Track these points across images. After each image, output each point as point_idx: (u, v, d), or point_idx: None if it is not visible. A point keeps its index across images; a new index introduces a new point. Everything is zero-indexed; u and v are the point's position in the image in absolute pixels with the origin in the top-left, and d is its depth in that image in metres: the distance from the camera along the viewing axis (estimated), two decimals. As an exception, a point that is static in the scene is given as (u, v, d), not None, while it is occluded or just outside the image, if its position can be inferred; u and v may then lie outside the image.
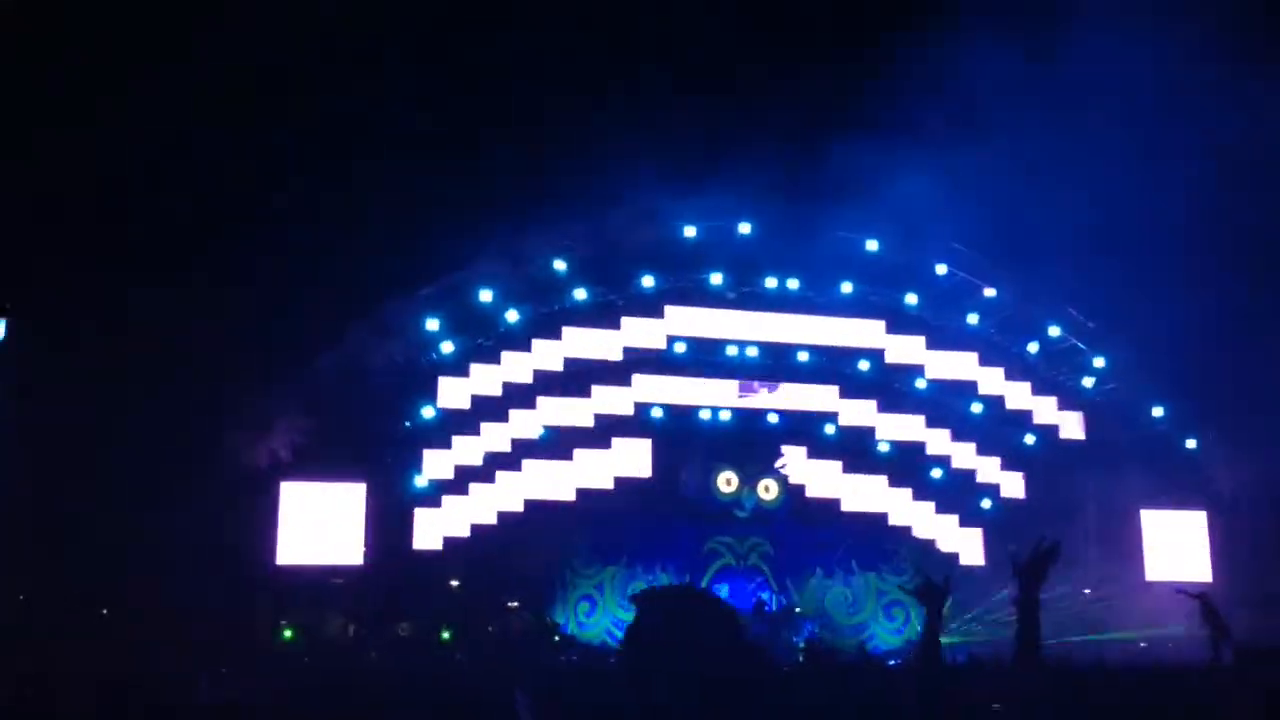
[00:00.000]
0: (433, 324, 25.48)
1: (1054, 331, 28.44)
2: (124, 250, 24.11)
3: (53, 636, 19.02)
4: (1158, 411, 28.55)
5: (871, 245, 27.28)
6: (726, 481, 27.40)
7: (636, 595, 8.54)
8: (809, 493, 27.74)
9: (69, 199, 23.48)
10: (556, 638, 24.67)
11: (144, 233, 24.33)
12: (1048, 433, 28.90)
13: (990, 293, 27.98)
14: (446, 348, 25.90)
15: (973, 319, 28.23)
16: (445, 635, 23.60)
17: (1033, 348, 28.74)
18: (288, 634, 22.96)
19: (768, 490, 27.50)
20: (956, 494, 28.49)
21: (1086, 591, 26.74)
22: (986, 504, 28.45)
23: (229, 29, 23.23)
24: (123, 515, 21.15)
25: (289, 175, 25.59)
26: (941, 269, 27.68)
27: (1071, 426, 29.09)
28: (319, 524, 24.12)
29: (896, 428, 28.41)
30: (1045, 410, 29.03)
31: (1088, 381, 28.78)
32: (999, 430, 28.89)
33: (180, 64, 22.99)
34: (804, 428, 27.90)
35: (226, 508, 22.43)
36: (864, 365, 28.07)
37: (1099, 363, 28.63)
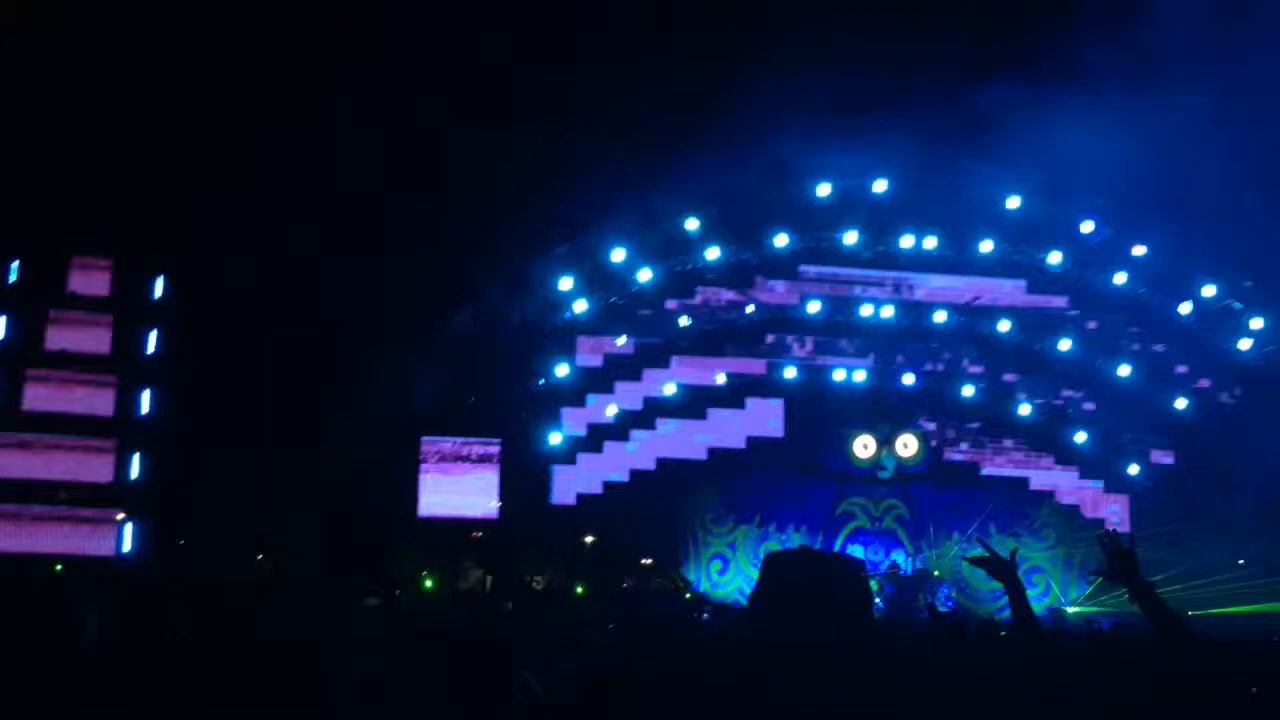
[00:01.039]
0: (566, 283, 25.75)
1: (1208, 291, 27.12)
2: (268, 216, 24.99)
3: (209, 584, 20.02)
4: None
5: (1013, 202, 26.47)
6: (864, 446, 27.06)
7: (765, 558, 8.54)
8: (949, 455, 27.22)
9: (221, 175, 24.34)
10: (689, 595, 24.78)
11: (284, 201, 25.16)
12: (1201, 397, 27.68)
13: (1140, 250, 26.86)
14: (580, 306, 26.14)
15: (1120, 278, 27.16)
16: (579, 590, 23.94)
17: (1185, 308, 27.48)
18: (429, 584, 23.65)
19: (906, 447, 27.07)
20: (1102, 460, 27.57)
21: (1241, 562, 25.63)
22: (1134, 469, 27.46)
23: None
24: (276, 463, 22.05)
25: (419, 142, 26.05)
26: (1087, 226, 26.70)
27: (1227, 391, 27.81)
28: (457, 479, 24.73)
29: (1038, 391, 27.60)
30: (1198, 374, 27.81)
31: (1244, 344, 27.41)
32: (1147, 394, 27.79)
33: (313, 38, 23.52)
34: (942, 388, 27.34)
35: (371, 460, 23.16)
36: (1004, 325, 27.30)
37: (1257, 324, 27.22)
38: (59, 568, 20.64)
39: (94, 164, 22.04)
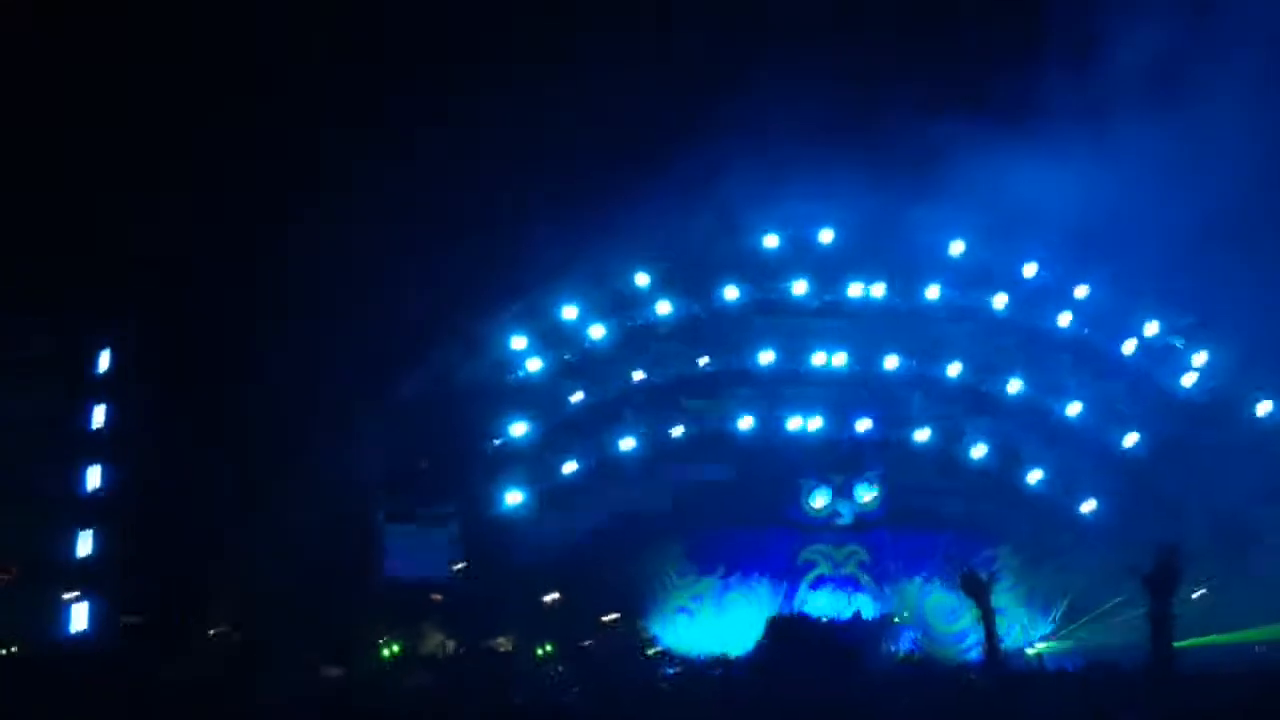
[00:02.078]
0: (519, 342, 25.71)
1: (1151, 329, 27.62)
2: (217, 283, 24.70)
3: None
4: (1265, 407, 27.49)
5: (957, 247, 26.95)
6: (820, 495, 27.17)
7: (772, 620, 8.66)
8: (904, 500, 27.36)
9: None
10: (652, 651, 24.59)
11: (232, 270, 24.85)
12: (1146, 434, 28.10)
13: (1082, 291, 27.41)
14: (533, 365, 26.07)
15: (1064, 319, 27.64)
16: (545, 649, 23.63)
17: (1128, 346, 27.97)
18: (392, 649, 23.18)
19: (863, 494, 27.20)
20: (1053, 500, 27.83)
21: (1195, 595, 25.91)
22: (1089, 506, 27.61)
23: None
24: (229, 533, 21.63)
25: (363, 203, 25.93)
26: (1030, 269, 27.23)
27: (1172, 426, 28.26)
28: (416, 542, 24.38)
29: (988, 432, 27.88)
30: (1144, 410, 28.25)
31: (1188, 379, 27.91)
32: (1095, 433, 28.18)
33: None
34: (895, 434, 27.54)
35: (326, 527, 22.78)
36: (954, 370, 27.62)
37: (1199, 359, 27.73)
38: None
39: (27, 224, 21.74)
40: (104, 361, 22.59)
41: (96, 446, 22.07)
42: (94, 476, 21.85)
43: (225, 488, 22.38)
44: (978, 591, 6.59)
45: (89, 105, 22.31)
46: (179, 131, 23.13)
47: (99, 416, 22.12)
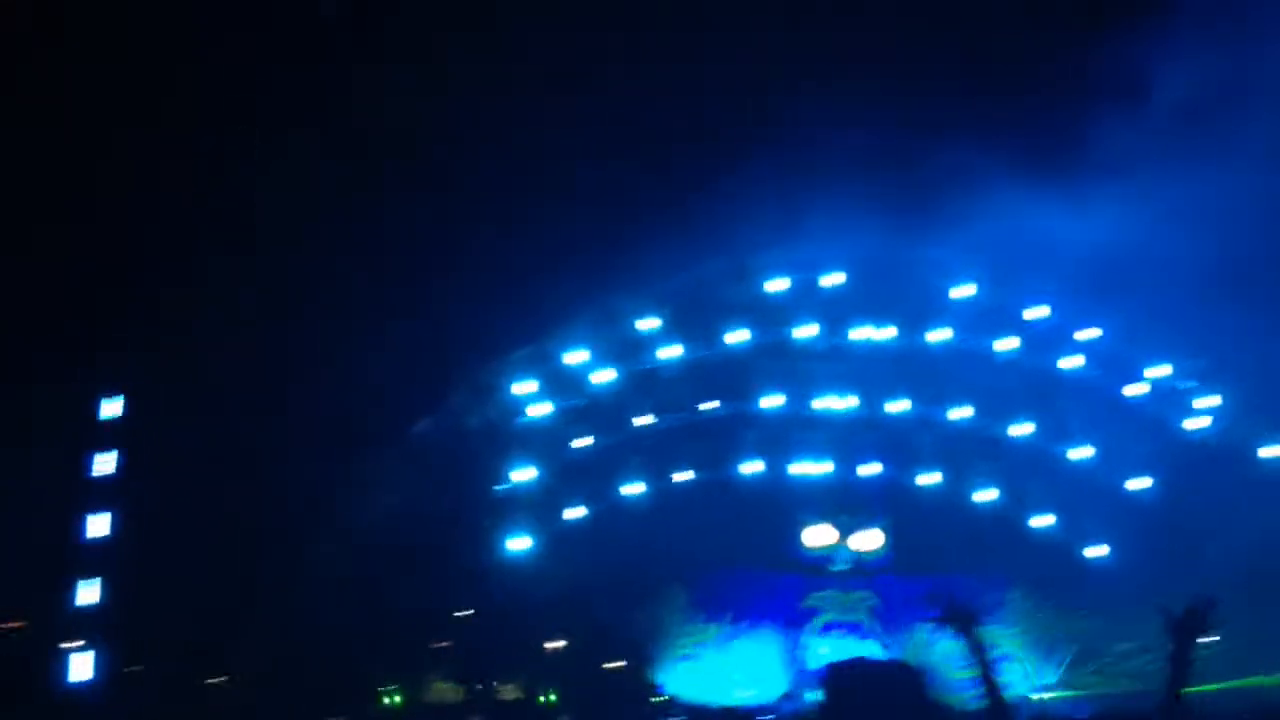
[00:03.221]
0: (526, 386, 25.74)
1: (1160, 372, 27.45)
2: (227, 330, 24.80)
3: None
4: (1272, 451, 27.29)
5: (965, 291, 26.91)
6: (820, 539, 27.03)
7: (834, 665, 8.64)
8: (911, 544, 27.18)
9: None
10: (656, 698, 24.48)
11: (244, 315, 24.97)
12: (1156, 478, 27.87)
13: (1091, 334, 27.30)
14: (540, 409, 26.10)
15: (1073, 361, 27.52)
16: (550, 698, 23.54)
17: (1137, 389, 27.81)
18: (396, 699, 23.11)
19: (867, 539, 27.06)
20: (1062, 544, 27.61)
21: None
22: (1100, 551, 27.37)
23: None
24: (239, 580, 21.70)
25: (379, 248, 26.06)
26: (1038, 311, 27.14)
27: (1182, 470, 28.03)
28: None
29: (996, 476, 27.73)
30: (1153, 453, 28.04)
31: (1197, 422, 27.68)
32: (1104, 477, 27.98)
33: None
34: (902, 478, 27.41)
35: (334, 572, 22.82)
36: (962, 413, 27.50)
37: (1209, 402, 27.53)
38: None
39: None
40: (111, 408, 22.61)
41: (104, 495, 22.11)
42: (99, 525, 21.86)
43: (234, 534, 22.40)
44: (965, 624, 6.57)
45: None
46: (189, 182, 23.33)
47: (106, 464, 22.15)
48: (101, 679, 20.86)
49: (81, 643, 21.07)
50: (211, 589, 21.98)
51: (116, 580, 21.46)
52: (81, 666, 20.88)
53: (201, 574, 21.91)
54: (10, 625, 20.89)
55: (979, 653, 6.91)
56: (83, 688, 20.69)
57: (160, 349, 22.66)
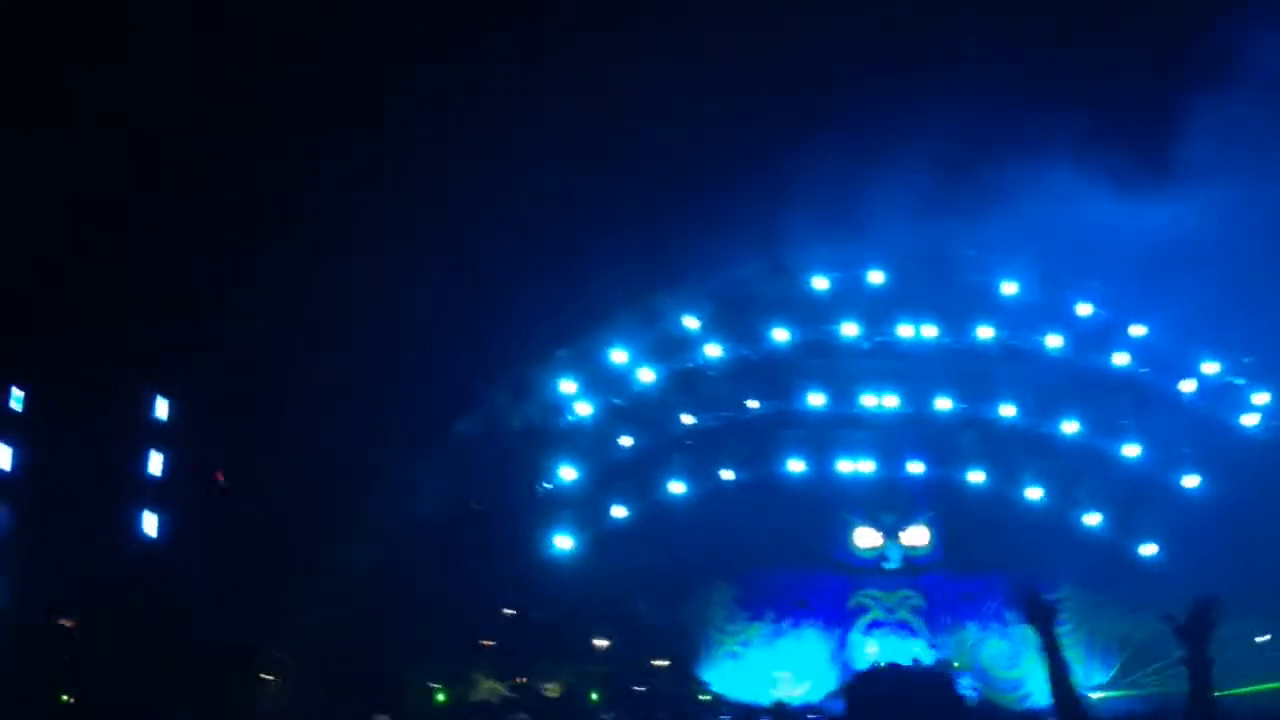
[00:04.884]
0: (569, 386, 25.76)
1: (1210, 369, 27.05)
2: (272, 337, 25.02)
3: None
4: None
5: (1010, 287, 26.61)
6: (868, 538, 26.86)
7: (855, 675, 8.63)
8: (958, 542, 26.96)
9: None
10: (702, 696, 24.39)
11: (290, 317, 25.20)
12: (1207, 475, 27.46)
13: (1139, 330, 26.92)
14: (583, 409, 26.11)
15: (1121, 359, 27.16)
16: (594, 696, 23.53)
17: (1187, 386, 27.39)
18: (440, 697, 23.21)
19: (915, 537, 26.86)
20: (1112, 543, 27.27)
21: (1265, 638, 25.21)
22: (1150, 550, 27.02)
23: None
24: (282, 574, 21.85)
25: (416, 248, 26.20)
26: (1085, 308, 26.81)
27: (1234, 467, 27.60)
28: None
29: (1043, 474, 27.43)
30: (1204, 451, 27.63)
31: (1249, 420, 27.26)
32: (1154, 475, 27.61)
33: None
34: (948, 476, 27.18)
35: (377, 572, 22.90)
36: (1008, 410, 27.23)
37: (1261, 399, 27.12)
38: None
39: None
40: (163, 409, 22.86)
41: (153, 493, 22.36)
42: (150, 523, 22.11)
43: (279, 533, 22.54)
44: (1044, 619, 6.38)
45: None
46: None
47: (156, 464, 22.39)
48: (146, 678, 21.06)
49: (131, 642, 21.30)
50: (257, 588, 22.15)
51: (164, 578, 21.70)
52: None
53: (247, 573, 22.10)
54: (63, 623, 21.14)
55: (1055, 650, 6.76)
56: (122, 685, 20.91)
57: (210, 348, 22.83)
